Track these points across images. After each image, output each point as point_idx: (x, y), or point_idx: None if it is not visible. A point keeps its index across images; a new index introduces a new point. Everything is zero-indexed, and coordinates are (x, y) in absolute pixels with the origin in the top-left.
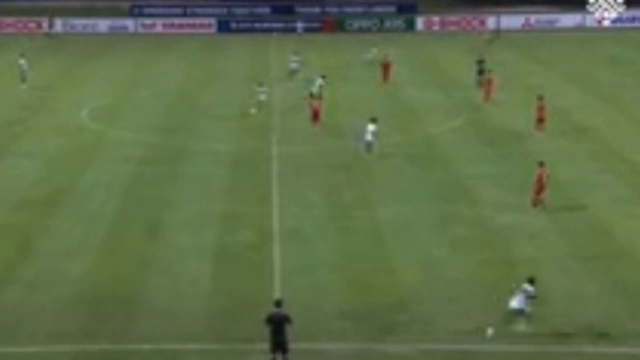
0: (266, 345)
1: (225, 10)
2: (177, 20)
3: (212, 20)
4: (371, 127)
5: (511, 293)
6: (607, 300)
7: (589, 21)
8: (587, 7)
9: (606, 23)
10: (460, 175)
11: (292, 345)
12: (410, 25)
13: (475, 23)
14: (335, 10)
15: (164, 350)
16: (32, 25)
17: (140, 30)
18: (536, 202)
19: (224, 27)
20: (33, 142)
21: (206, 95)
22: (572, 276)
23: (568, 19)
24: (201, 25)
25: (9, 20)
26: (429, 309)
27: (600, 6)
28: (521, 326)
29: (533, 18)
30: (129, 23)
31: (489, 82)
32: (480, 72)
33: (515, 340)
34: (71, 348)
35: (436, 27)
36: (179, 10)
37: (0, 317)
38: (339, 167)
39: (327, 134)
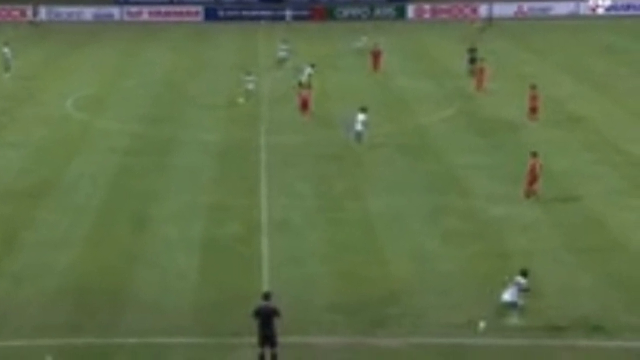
0: (254, 339)
1: None
2: (163, 8)
3: (199, 8)
4: (361, 116)
5: (504, 286)
6: (601, 293)
7: (583, 9)
8: None
9: (600, 11)
10: (452, 165)
11: (281, 339)
12: (400, 13)
13: (467, 11)
14: None
15: (151, 344)
16: (16, 13)
17: (126, 18)
18: (529, 194)
19: (211, 15)
20: (18, 133)
21: (193, 85)
22: (566, 268)
23: (562, 7)
24: (188, 13)
25: None
26: (421, 302)
27: None
28: (514, 319)
29: (526, 6)
30: (115, 11)
31: (481, 71)
32: (472, 61)
33: (508, 334)
34: (57, 342)
35: (427, 15)
36: None
37: None
38: (329, 157)
39: (316, 123)
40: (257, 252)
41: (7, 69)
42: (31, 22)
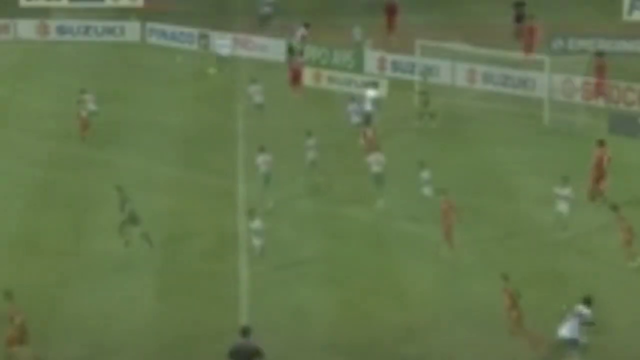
0: None
1: None
2: None
3: None
4: (371, 93)
5: (561, 317)
6: None
7: None
8: None
9: None
10: (490, 158)
11: None
12: None
13: None
14: None
15: None
16: None
17: None
18: (594, 194)
19: None
20: None
21: (148, 51)
22: None
23: None
24: None
25: None
26: (448, 339)
27: None
28: None
29: None
30: None
31: (531, 31)
32: (519, 18)
33: None
34: None
35: None
36: None
37: None
38: (328, 147)
39: (310, 102)
40: (233, 273)
41: None
42: None
